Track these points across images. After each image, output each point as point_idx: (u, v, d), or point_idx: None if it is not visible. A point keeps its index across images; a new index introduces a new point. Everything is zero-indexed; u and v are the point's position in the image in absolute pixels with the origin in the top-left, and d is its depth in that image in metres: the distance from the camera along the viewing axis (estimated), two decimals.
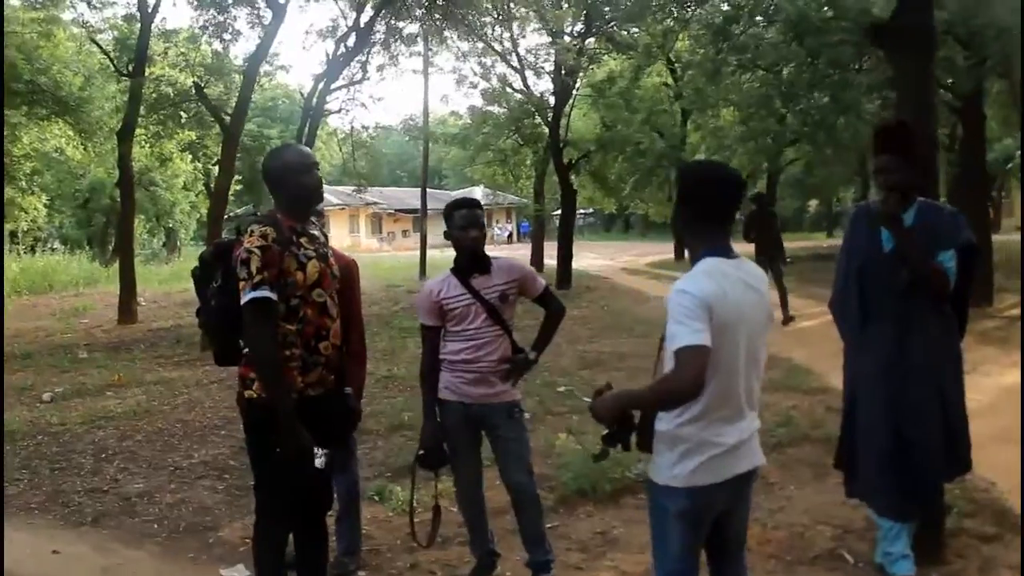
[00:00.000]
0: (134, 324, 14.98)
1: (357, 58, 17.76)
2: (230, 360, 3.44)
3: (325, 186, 3.50)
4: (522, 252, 32.07)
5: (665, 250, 32.57)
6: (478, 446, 3.97)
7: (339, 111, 18.49)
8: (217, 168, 34.12)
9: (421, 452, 3.86)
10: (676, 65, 25.75)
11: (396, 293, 19.21)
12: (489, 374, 3.79)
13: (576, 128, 24.33)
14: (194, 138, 23.87)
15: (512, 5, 19.57)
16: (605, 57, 21.88)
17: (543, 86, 23.50)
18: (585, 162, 23.61)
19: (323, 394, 3.33)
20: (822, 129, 16.02)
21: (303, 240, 3.28)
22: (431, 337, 3.89)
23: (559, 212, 25.73)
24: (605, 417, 2.56)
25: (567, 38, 20.68)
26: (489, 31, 21.64)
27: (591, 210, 53.62)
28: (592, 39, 20.86)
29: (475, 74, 23.92)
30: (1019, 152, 17.10)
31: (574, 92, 22.18)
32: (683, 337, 2.39)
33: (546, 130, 21.87)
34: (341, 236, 46.74)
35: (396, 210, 55.74)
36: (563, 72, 20.60)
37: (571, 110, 22.93)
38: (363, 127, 20.98)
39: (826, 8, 12.30)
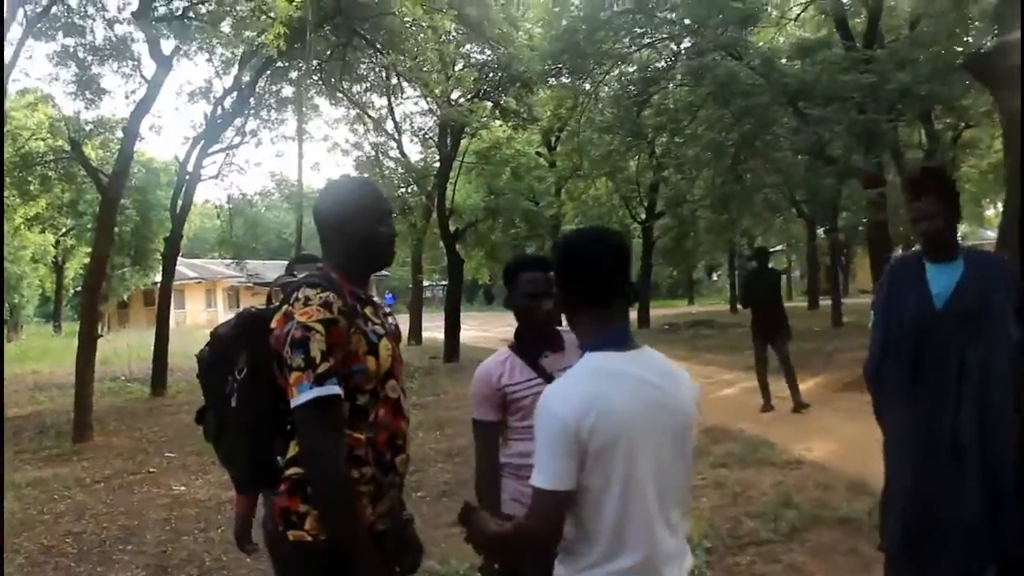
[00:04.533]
0: None
1: (235, 121, 16.81)
2: (261, 483, 2.47)
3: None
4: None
5: None
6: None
7: (216, 176, 17.23)
8: (64, 240, 32.00)
9: None
10: (553, 136, 26.00)
11: None
12: None
13: (458, 197, 23.84)
14: (44, 207, 21.93)
15: (389, 73, 18.92)
16: (492, 124, 21.52)
17: (420, 154, 22.89)
18: (472, 231, 23.09)
19: (390, 527, 2.43)
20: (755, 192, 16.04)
21: (367, 311, 2.37)
22: (489, 436, 3.04)
23: (429, 282, 25.01)
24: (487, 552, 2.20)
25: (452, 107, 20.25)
26: (364, 97, 21.01)
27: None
28: (478, 102, 20.49)
29: (348, 142, 23.18)
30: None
31: (460, 159, 21.67)
32: (537, 473, 1.90)
33: (423, 199, 21.24)
34: (197, 311, 44.59)
35: (255, 283, 53.65)
36: (448, 139, 20.06)
37: (457, 178, 22.42)
38: (242, 194, 19.69)
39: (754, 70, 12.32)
